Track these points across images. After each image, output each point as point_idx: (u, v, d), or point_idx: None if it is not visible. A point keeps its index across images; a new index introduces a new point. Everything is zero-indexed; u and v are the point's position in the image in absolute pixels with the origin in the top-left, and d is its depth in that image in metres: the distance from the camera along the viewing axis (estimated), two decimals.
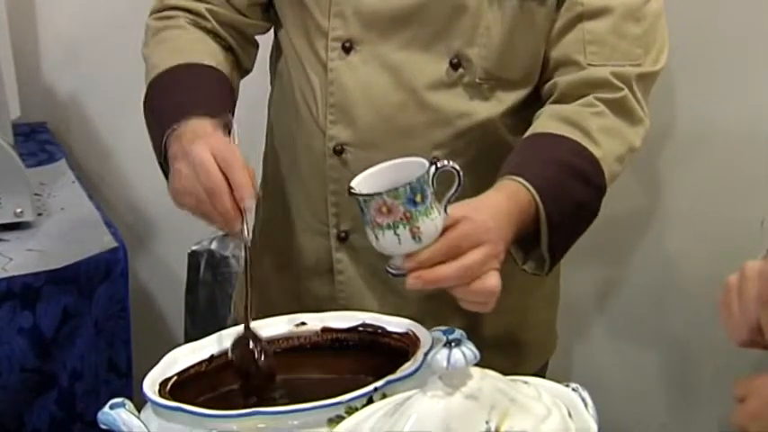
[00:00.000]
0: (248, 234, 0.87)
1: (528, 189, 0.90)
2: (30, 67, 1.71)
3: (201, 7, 1.08)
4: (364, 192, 0.81)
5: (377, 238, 0.81)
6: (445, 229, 0.83)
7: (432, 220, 0.81)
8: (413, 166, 0.81)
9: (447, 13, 0.99)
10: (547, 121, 0.98)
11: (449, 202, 0.83)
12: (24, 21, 1.71)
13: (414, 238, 0.81)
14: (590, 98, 0.98)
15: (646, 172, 1.65)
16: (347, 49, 1.02)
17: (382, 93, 1.02)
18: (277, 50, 1.12)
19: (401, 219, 0.80)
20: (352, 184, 0.82)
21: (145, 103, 1.04)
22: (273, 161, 1.15)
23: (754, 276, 0.69)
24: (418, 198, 0.80)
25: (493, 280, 0.84)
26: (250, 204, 0.86)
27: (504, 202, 0.88)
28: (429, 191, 0.80)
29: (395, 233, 0.80)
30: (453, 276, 0.82)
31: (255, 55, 1.14)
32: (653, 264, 1.70)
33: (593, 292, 1.75)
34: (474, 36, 1.00)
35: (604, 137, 0.97)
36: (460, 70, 1.01)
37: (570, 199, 0.93)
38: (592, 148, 0.96)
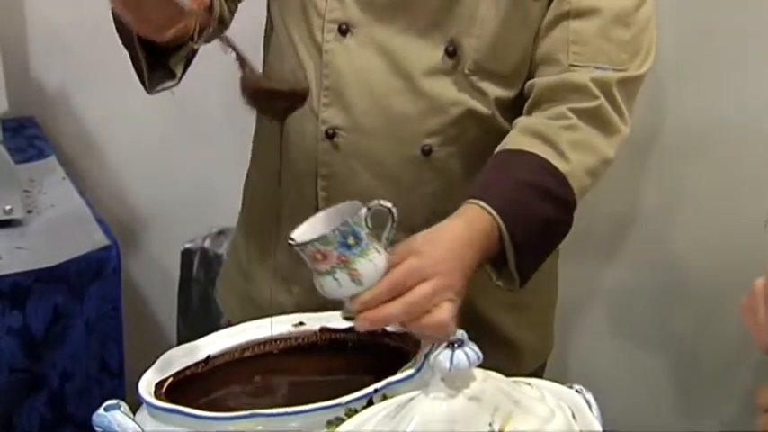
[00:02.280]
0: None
1: (489, 212, 0.90)
2: (18, 60, 1.69)
3: None
4: (300, 240, 0.81)
5: (320, 285, 0.82)
6: (393, 266, 0.82)
7: (370, 261, 0.81)
8: (350, 209, 0.82)
9: (443, 2, 0.99)
10: (516, 136, 0.98)
11: (387, 240, 0.83)
12: (12, 13, 1.69)
13: (353, 280, 0.81)
14: (563, 109, 0.97)
15: (647, 171, 1.65)
16: (343, 31, 1.01)
17: (377, 77, 1.01)
18: (270, 31, 1.11)
19: (337, 263, 0.80)
20: (293, 234, 0.83)
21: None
22: (264, 142, 1.14)
23: None
24: (351, 241, 0.80)
25: (442, 312, 0.83)
26: None
27: (461, 229, 0.88)
28: (363, 233, 0.81)
29: (334, 278, 0.81)
30: (401, 313, 0.82)
31: (233, 13, 1.09)
32: (654, 263, 1.70)
33: (593, 291, 1.75)
34: (468, 27, 0.99)
35: (574, 151, 0.96)
36: (455, 59, 1.00)
37: (536, 218, 0.93)
38: (558, 163, 0.95)
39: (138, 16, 0.85)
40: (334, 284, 0.81)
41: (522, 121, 1.00)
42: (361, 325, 0.82)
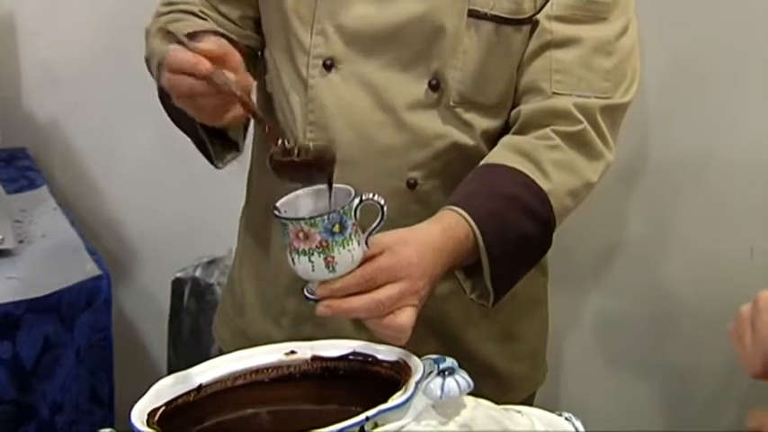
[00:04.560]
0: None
1: (467, 221, 0.91)
2: (10, 91, 1.71)
3: (195, 9, 1.08)
4: (288, 214, 0.82)
5: (293, 261, 0.83)
6: (367, 260, 0.83)
7: (348, 251, 0.81)
8: (341, 194, 0.82)
9: (426, 35, 1.00)
10: (500, 152, 0.99)
11: (371, 234, 0.84)
12: (4, 45, 1.70)
13: (327, 267, 0.81)
14: (547, 131, 0.99)
15: (637, 201, 1.66)
16: (328, 66, 1.03)
17: (361, 111, 1.02)
18: (260, 68, 1.12)
19: (317, 247, 0.81)
20: (278, 204, 0.84)
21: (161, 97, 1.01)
22: (255, 180, 1.15)
23: None
24: (336, 228, 0.80)
25: (404, 317, 0.84)
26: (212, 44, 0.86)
27: (436, 235, 0.89)
28: (350, 222, 0.81)
29: (309, 260, 0.81)
30: (363, 309, 0.83)
31: (254, 65, 1.12)
32: (643, 293, 1.70)
33: (582, 320, 1.76)
34: (451, 59, 1.00)
35: (556, 170, 0.97)
36: (439, 92, 1.01)
37: (513, 231, 0.94)
38: (540, 181, 0.96)
39: (195, 108, 0.89)
40: (308, 266, 0.81)
41: (505, 138, 1.01)
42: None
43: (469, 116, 1.02)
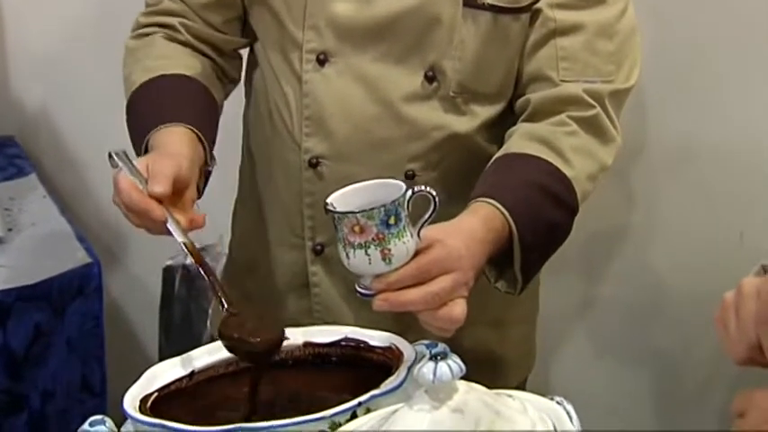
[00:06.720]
0: (182, 235, 0.88)
1: (502, 212, 0.91)
2: None
3: (174, 21, 1.08)
4: (339, 209, 0.82)
5: (348, 256, 0.83)
6: (417, 253, 0.84)
7: (404, 243, 0.82)
8: (390, 188, 0.83)
9: (421, 27, 1.00)
10: (519, 141, 0.99)
11: (422, 226, 0.84)
12: None
13: (384, 259, 0.82)
14: (563, 117, 0.99)
15: (626, 187, 1.67)
16: (322, 61, 1.03)
17: (357, 105, 1.02)
18: (252, 64, 1.12)
19: (373, 239, 0.81)
20: (329, 200, 0.84)
21: (127, 121, 1.05)
22: (250, 174, 1.15)
23: (753, 294, 0.70)
24: (392, 220, 0.81)
25: (459, 309, 0.85)
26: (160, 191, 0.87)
27: (478, 228, 0.89)
28: (403, 214, 0.82)
29: (366, 253, 0.81)
30: (420, 301, 0.84)
31: (240, 66, 1.14)
32: (633, 278, 1.71)
33: (573, 306, 1.76)
34: (448, 49, 1.00)
35: (576, 156, 0.98)
36: (435, 83, 1.01)
37: (543, 220, 0.94)
38: (564, 168, 0.97)
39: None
40: (365, 260, 0.81)
41: (522, 126, 1.01)
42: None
43: (469, 106, 1.03)
